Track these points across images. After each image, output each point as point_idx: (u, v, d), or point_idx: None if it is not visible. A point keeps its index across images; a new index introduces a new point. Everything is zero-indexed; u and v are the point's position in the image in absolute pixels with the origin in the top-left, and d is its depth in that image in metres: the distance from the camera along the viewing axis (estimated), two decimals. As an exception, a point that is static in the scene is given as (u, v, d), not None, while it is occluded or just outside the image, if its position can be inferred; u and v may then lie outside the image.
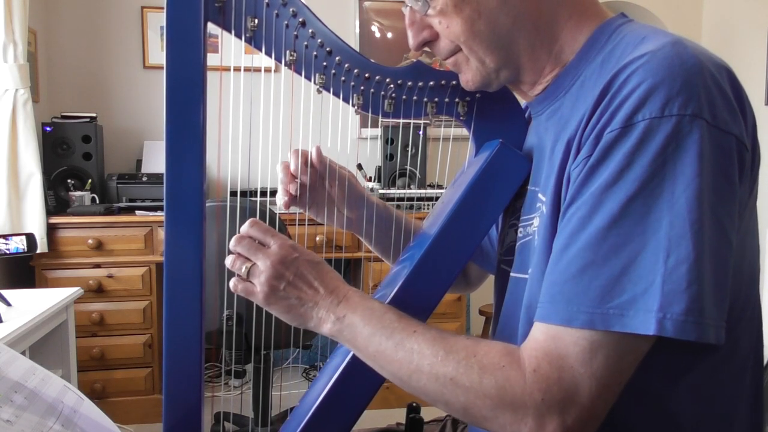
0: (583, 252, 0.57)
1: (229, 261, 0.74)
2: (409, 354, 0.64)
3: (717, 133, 0.55)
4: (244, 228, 0.75)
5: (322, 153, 0.91)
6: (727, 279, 0.57)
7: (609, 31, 0.68)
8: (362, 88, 0.80)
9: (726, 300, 0.57)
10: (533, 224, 0.71)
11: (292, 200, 0.91)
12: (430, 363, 0.62)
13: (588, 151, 0.59)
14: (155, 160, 2.74)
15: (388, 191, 2.64)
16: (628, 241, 0.55)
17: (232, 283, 0.74)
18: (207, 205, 0.78)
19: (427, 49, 0.76)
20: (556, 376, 0.56)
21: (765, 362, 0.72)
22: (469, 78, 0.75)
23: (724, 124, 0.56)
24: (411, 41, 0.74)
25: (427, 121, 0.83)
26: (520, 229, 0.75)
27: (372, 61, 0.80)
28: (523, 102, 0.84)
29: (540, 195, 0.70)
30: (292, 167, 0.90)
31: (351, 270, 2.81)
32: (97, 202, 2.53)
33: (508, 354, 0.60)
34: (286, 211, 0.93)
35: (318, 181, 0.92)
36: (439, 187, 2.69)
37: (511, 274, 0.76)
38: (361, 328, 0.68)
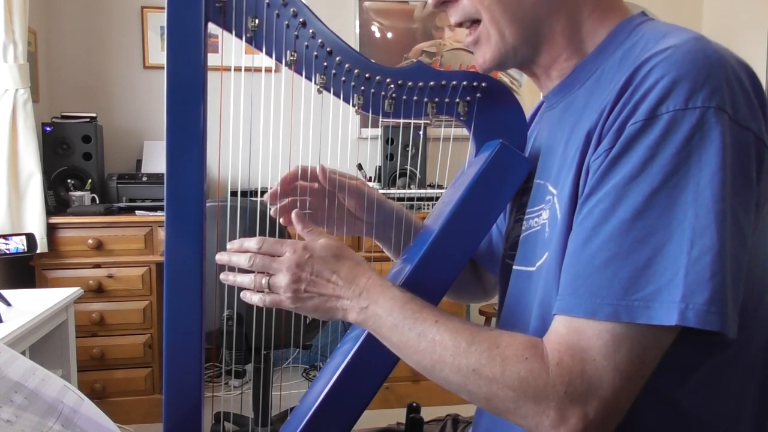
0: (607, 244, 0.57)
1: (247, 280, 0.75)
2: (432, 345, 0.64)
3: (737, 128, 0.56)
4: (252, 246, 0.75)
5: (326, 170, 0.90)
6: (741, 276, 0.57)
7: (630, 27, 0.69)
8: (362, 88, 0.80)
9: (740, 296, 0.57)
10: (541, 216, 0.70)
11: (288, 218, 0.89)
12: (452, 354, 0.62)
13: (609, 143, 0.59)
14: (155, 160, 2.74)
15: (388, 191, 2.63)
16: (652, 233, 0.55)
17: (257, 299, 0.75)
18: (207, 205, 0.78)
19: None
20: (578, 369, 0.56)
21: None
22: (487, 56, 0.74)
23: (744, 120, 0.56)
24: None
25: (427, 121, 0.84)
26: (525, 222, 0.75)
27: (372, 61, 0.80)
28: (530, 96, 0.84)
29: (550, 188, 0.70)
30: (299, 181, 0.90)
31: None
32: (97, 202, 2.53)
33: (531, 346, 0.60)
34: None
35: (328, 197, 0.92)
36: (439, 187, 2.69)
37: (514, 267, 0.76)
38: (385, 319, 0.69)
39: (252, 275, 0.75)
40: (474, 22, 0.73)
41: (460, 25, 0.76)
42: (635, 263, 0.55)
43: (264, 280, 0.74)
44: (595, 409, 0.56)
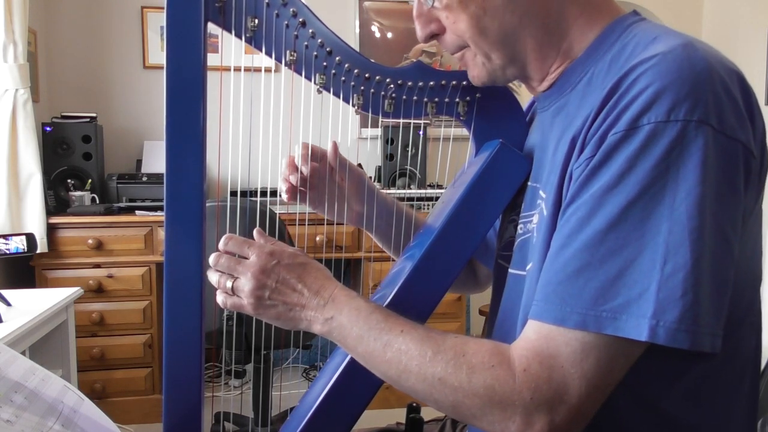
0: (581, 253, 0.57)
1: (214, 279, 0.75)
2: (397, 354, 0.64)
3: (723, 140, 0.55)
4: (220, 244, 0.75)
5: (338, 149, 0.92)
6: (727, 287, 0.56)
7: (620, 29, 0.67)
8: (362, 88, 0.80)
9: (724, 308, 0.56)
10: (533, 221, 0.70)
11: (294, 195, 0.92)
12: (418, 363, 0.62)
13: (591, 151, 0.59)
14: (155, 160, 2.74)
15: (388, 191, 2.63)
16: (625, 245, 0.55)
17: (220, 300, 0.74)
18: (207, 205, 0.78)
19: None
20: (546, 376, 0.56)
21: (762, 369, 0.72)
22: (475, 74, 0.75)
23: (731, 131, 0.55)
24: (418, 33, 0.74)
25: (427, 121, 0.84)
26: (520, 226, 0.75)
27: (372, 61, 0.80)
28: (531, 96, 0.84)
29: (541, 192, 0.70)
30: (296, 159, 0.91)
31: (351, 270, 2.81)
32: (97, 202, 2.53)
33: (498, 353, 0.60)
34: (285, 211, 0.94)
35: (327, 176, 0.92)
36: (439, 187, 2.69)
37: (510, 270, 0.76)
38: (350, 330, 0.68)
39: (218, 274, 0.75)
40: (465, 45, 0.73)
41: (455, 53, 0.76)
42: (606, 274, 0.55)
43: (229, 283, 0.73)
44: (562, 416, 0.56)
